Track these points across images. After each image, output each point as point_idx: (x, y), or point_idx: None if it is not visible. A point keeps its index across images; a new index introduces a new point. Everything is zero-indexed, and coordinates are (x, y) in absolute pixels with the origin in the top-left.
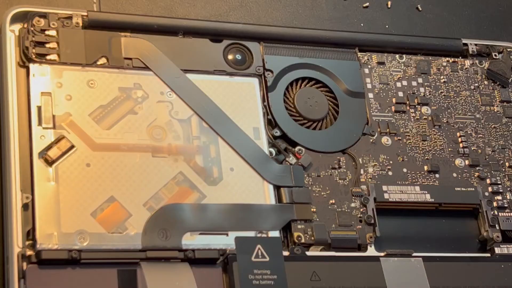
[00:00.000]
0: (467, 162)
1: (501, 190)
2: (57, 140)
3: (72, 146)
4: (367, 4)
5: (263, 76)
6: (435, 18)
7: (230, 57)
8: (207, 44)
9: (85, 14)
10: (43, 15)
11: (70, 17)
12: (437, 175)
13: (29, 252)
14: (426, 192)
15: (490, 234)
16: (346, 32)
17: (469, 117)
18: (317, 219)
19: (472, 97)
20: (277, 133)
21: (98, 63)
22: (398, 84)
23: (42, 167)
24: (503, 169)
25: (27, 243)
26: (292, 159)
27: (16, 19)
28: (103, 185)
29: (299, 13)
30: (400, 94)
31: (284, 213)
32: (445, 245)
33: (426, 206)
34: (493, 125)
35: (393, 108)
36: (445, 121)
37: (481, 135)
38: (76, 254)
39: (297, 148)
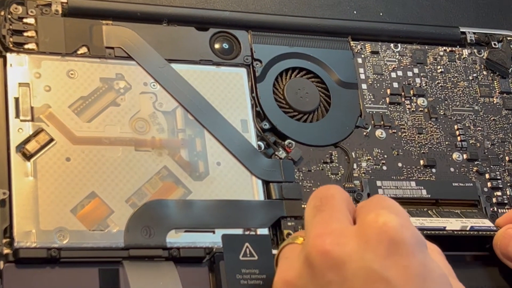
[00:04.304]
0: (465, 156)
1: (500, 186)
2: (36, 133)
3: (51, 140)
4: None
5: (251, 66)
6: (432, 5)
7: (216, 46)
8: (193, 32)
9: (65, 1)
10: (21, 2)
11: (49, 4)
12: (433, 170)
13: (6, 251)
14: (422, 187)
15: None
16: (338, 20)
17: (467, 109)
18: None
19: (471, 88)
20: (266, 125)
21: (79, 52)
22: (393, 75)
23: (19, 161)
24: (503, 164)
25: (4, 241)
26: (281, 153)
27: None
28: (83, 180)
29: (289, 0)
30: (395, 85)
31: (274, 209)
32: (443, 243)
33: (423, 202)
34: (493, 118)
35: (387, 99)
36: (442, 113)
37: (480, 128)
38: (56, 253)
39: (287, 141)
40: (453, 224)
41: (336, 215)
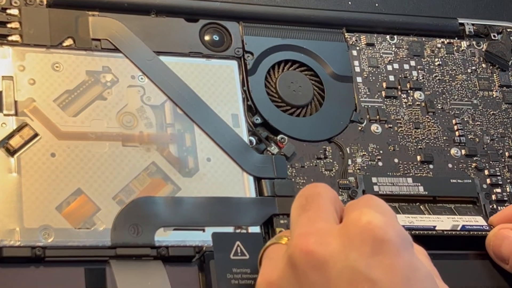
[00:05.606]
0: (463, 151)
1: (500, 182)
2: (20, 128)
3: (36, 135)
4: None
5: (242, 59)
6: None
7: (207, 38)
8: (182, 24)
9: None
10: None
11: None
12: (431, 166)
13: None
14: (419, 184)
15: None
16: (332, 11)
17: (465, 103)
18: None
19: (469, 81)
20: (258, 120)
21: (64, 44)
22: (389, 67)
23: (3, 157)
24: (503, 160)
25: None
26: (274, 149)
27: None
28: (69, 176)
29: None
30: (391, 78)
31: (266, 207)
32: (440, 242)
33: (420, 199)
34: (492, 112)
35: (383, 93)
36: (439, 107)
37: (479, 123)
38: (40, 252)
39: (279, 136)
40: (444, 222)
41: (321, 214)
